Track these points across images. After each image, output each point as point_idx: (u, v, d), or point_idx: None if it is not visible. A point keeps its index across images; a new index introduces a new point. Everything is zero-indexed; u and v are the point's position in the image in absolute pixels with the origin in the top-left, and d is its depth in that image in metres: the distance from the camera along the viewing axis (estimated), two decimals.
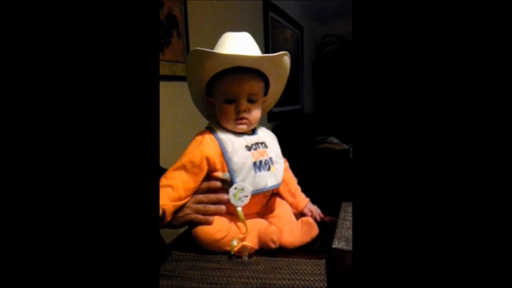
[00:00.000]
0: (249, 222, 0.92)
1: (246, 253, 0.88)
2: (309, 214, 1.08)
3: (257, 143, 0.98)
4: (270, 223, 0.99)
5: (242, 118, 0.94)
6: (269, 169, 0.96)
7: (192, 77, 0.96)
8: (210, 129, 0.97)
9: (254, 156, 0.94)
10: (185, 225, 0.94)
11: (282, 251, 0.91)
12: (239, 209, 0.90)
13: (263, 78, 0.96)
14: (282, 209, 1.04)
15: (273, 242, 0.89)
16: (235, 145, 0.93)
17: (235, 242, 0.88)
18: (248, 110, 0.93)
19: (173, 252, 0.94)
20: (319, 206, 1.13)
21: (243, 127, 0.96)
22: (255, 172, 0.93)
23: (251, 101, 0.94)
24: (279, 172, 0.99)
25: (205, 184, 0.94)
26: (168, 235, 1.09)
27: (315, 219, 1.02)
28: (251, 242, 0.90)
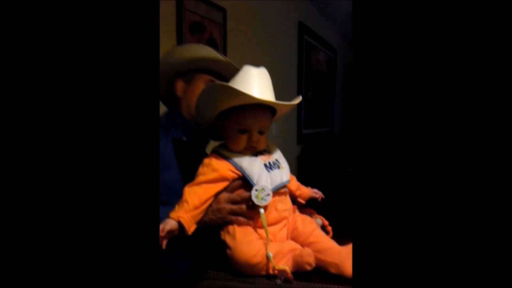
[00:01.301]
0: (281, 244, 0.95)
1: (282, 277, 0.89)
2: (317, 195, 1.19)
3: (260, 151, 1.05)
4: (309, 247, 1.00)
5: (252, 147, 1.02)
6: (278, 167, 1.03)
7: (207, 106, 1.02)
8: (217, 153, 1.04)
9: (262, 159, 1.02)
10: (221, 224, 0.98)
11: (317, 274, 0.92)
12: (262, 211, 0.94)
13: (272, 112, 1.06)
14: (317, 233, 1.04)
15: (309, 265, 0.91)
16: (241, 156, 1.01)
17: (270, 254, 0.90)
18: (258, 141, 1.02)
19: (209, 271, 0.96)
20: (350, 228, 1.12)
21: (252, 152, 1.03)
22: (268, 171, 0.99)
23: (261, 132, 1.03)
24: (287, 170, 1.06)
25: (236, 183, 0.99)
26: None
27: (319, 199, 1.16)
28: (286, 265, 0.91)
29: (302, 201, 1.15)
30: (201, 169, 1.00)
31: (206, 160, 1.01)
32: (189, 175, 1.01)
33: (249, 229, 0.97)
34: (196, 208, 0.93)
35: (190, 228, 0.91)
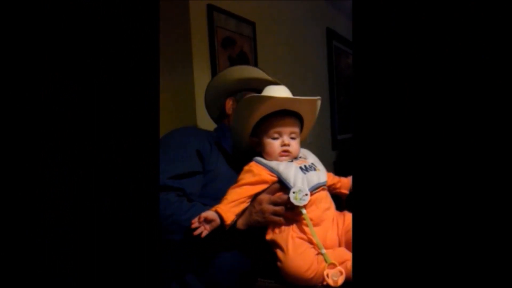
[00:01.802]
0: (333, 251, 0.98)
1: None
2: None
3: (296, 158, 1.11)
4: None
5: (286, 151, 1.08)
6: (314, 169, 1.07)
7: (241, 121, 1.14)
8: (256, 160, 1.12)
9: (297, 163, 1.07)
10: (265, 225, 1.03)
11: None
12: (304, 211, 0.98)
13: (300, 121, 1.15)
14: None
15: None
16: (278, 162, 1.08)
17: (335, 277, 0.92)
18: (290, 145, 1.09)
19: (259, 279, 0.99)
20: None
21: (286, 159, 1.09)
22: (304, 173, 1.03)
23: (293, 138, 1.11)
24: (324, 171, 1.11)
25: (275, 185, 1.04)
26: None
27: None
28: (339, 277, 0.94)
29: (346, 191, 1.21)
30: (242, 175, 1.07)
31: (246, 167, 1.09)
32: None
33: (299, 241, 0.98)
34: (234, 201, 1.00)
35: (229, 218, 0.96)
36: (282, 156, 1.09)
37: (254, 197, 1.04)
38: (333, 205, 1.08)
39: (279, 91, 1.12)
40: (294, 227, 1.00)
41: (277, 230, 1.01)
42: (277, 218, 1.00)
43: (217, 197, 1.02)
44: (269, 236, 1.02)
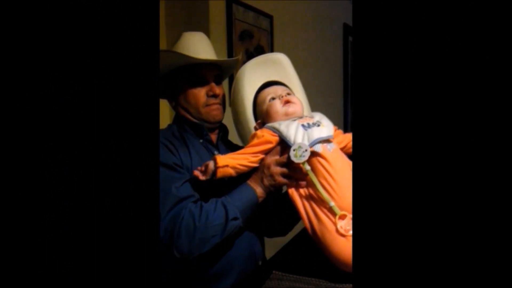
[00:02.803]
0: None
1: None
2: None
3: (301, 117, 1.08)
4: None
5: (287, 101, 1.08)
6: (319, 126, 1.03)
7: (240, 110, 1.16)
8: (262, 125, 1.11)
9: (301, 121, 1.04)
10: (277, 187, 1.03)
11: None
12: (307, 167, 0.96)
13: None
14: None
15: None
16: (280, 122, 1.06)
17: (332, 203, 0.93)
18: (290, 98, 1.09)
19: (274, 271, 0.99)
20: None
21: (292, 111, 1.08)
22: (305, 130, 1.01)
23: (289, 94, 1.12)
24: (330, 126, 1.07)
25: (278, 147, 1.03)
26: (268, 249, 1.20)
27: None
28: None
29: None
30: (249, 140, 1.07)
31: (252, 134, 1.08)
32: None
33: (323, 229, 0.95)
34: (236, 155, 1.01)
35: (221, 161, 0.96)
36: (286, 107, 1.08)
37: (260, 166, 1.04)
38: (349, 165, 1.03)
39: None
40: (304, 187, 1.00)
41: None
42: (285, 180, 1.00)
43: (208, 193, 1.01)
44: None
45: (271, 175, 1.01)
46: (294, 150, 0.97)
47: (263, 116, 1.13)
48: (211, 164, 0.96)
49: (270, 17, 2.42)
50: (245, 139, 1.17)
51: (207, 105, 1.14)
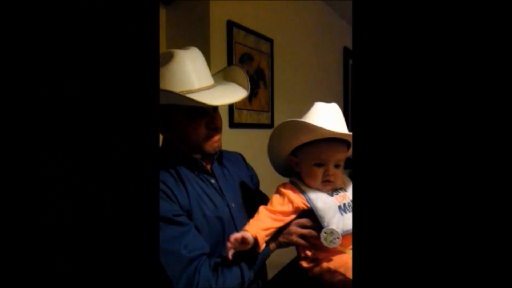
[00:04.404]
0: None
1: None
2: None
3: (337, 189, 1.04)
4: None
5: (328, 181, 1.01)
6: (351, 211, 1.00)
7: (282, 142, 1.05)
8: (293, 183, 1.06)
9: (338, 200, 1.01)
10: (289, 245, 1.02)
11: None
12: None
13: (347, 146, 1.05)
14: None
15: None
16: (318, 193, 1.01)
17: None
18: (334, 174, 1.01)
19: None
20: None
21: (329, 188, 1.03)
22: (342, 214, 0.99)
23: (337, 166, 1.03)
24: None
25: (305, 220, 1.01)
26: (271, 267, 1.19)
27: None
28: None
29: None
30: (277, 198, 1.02)
31: (282, 190, 1.03)
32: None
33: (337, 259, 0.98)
34: (267, 229, 0.96)
35: (262, 246, 0.93)
36: (325, 186, 1.02)
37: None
38: None
39: (329, 114, 1.01)
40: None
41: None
42: (302, 241, 0.99)
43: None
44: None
45: (289, 233, 1.00)
46: (325, 233, 0.95)
47: (299, 162, 1.05)
48: (251, 243, 0.91)
49: (270, 41, 2.46)
50: (270, 158, 1.13)
51: (207, 137, 1.04)
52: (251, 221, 0.96)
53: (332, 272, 0.96)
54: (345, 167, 1.08)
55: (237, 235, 0.88)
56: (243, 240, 0.89)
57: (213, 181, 1.09)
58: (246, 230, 0.91)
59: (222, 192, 1.08)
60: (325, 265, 0.98)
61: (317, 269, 1.00)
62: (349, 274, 0.92)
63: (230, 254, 0.87)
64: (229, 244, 0.87)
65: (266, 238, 0.96)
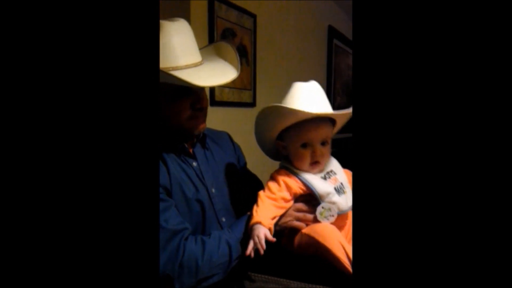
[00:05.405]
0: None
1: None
2: None
3: (328, 172, 1.05)
4: None
5: (316, 162, 1.01)
6: (343, 192, 1.02)
7: (266, 128, 1.04)
8: (286, 168, 1.05)
9: (332, 182, 1.02)
10: (285, 229, 1.01)
11: None
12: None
13: (332, 122, 1.05)
14: None
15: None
16: (311, 175, 1.02)
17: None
18: (322, 154, 1.01)
19: (249, 273, 1.00)
20: None
21: (317, 170, 1.03)
22: (339, 195, 1.00)
23: (324, 144, 1.01)
24: (350, 193, 1.05)
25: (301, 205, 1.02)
26: None
27: None
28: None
29: None
30: (275, 186, 1.01)
31: (278, 177, 1.02)
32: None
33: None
34: (274, 218, 0.97)
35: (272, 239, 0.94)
36: (314, 168, 1.02)
37: None
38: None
39: (310, 94, 0.99)
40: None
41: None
42: (297, 224, 1.00)
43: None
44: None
45: (285, 216, 1.00)
46: (323, 208, 0.97)
47: (286, 145, 1.04)
48: (261, 234, 0.90)
49: (253, 16, 2.40)
50: (258, 141, 1.11)
51: (191, 118, 0.98)
52: (259, 210, 0.95)
53: (311, 237, 0.96)
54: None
55: (261, 236, 0.89)
56: (266, 239, 0.90)
57: (194, 164, 1.05)
58: (260, 222, 0.92)
59: (203, 176, 1.05)
60: (304, 231, 0.99)
61: (297, 238, 1.01)
62: (327, 242, 0.92)
63: (252, 251, 0.89)
64: (252, 245, 0.89)
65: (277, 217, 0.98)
